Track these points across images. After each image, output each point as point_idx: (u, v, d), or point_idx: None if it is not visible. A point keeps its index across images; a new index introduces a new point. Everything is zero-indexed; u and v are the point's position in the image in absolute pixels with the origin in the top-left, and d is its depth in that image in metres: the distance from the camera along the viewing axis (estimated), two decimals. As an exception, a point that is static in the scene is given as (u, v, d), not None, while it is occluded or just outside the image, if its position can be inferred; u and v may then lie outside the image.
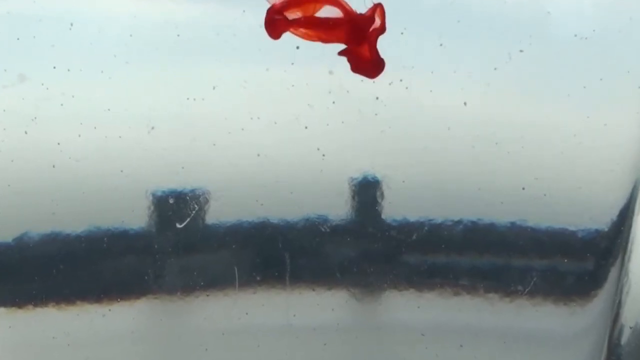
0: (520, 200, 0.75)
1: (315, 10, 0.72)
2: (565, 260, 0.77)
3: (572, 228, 0.76)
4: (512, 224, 0.76)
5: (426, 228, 0.76)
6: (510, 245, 0.77)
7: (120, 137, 0.71)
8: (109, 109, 0.71)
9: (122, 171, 0.72)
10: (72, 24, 0.70)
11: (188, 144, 0.72)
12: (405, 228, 0.76)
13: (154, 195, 0.73)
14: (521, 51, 0.72)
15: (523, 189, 0.75)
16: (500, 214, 0.76)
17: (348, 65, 0.69)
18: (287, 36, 0.70)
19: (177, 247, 0.74)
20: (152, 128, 0.71)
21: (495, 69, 0.73)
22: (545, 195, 0.75)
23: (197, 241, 0.75)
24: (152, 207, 0.73)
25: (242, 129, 0.73)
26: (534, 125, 0.74)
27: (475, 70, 0.73)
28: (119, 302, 0.75)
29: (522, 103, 0.75)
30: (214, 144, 0.73)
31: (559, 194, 0.76)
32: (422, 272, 0.77)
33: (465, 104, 0.73)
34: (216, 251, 0.75)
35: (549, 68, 0.74)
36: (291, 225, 0.75)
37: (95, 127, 0.71)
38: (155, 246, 0.74)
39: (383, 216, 0.76)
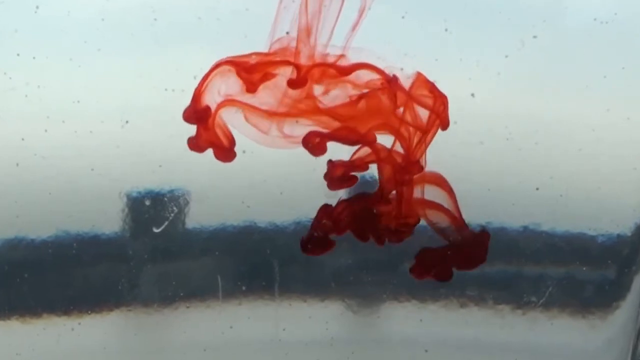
0: (534, 202, 0.72)
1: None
2: (584, 268, 0.74)
3: (591, 232, 0.73)
4: (525, 228, 0.73)
5: (430, 233, 0.73)
6: (522, 252, 0.74)
7: (91, 132, 0.67)
8: (78, 101, 0.67)
9: (93, 170, 0.68)
10: (37, 7, 0.66)
11: (166, 140, 0.69)
12: (407, 232, 0.73)
13: (128, 196, 0.70)
14: (535, 37, 0.69)
15: (537, 189, 0.72)
16: (512, 217, 0.73)
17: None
18: (277, 23, 0.67)
19: (154, 253, 0.71)
20: (127, 122, 0.67)
21: (506, 56, 0.69)
22: (561, 196, 0.72)
23: (176, 247, 0.72)
24: (126, 210, 0.70)
25: (226, 123, 0.70)
26: (549, 119, 0.71)
27: (484, 59, 0.69)
28: (89, 314, 0.72)
29: (536, 95, 0.71)
30: (195, 140, 0.70)
31: (577, 195, 0.72)
32: (425, 281, 0.74)
33: (473, 95, 0.70)
34: (197, 258, 0.72)
35: (566, 56, 0.70)
36: (281, 230, 0.72)
37: (63, 121, 0.67)
38: (130, 253, 0.70)
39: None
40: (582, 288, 0.75)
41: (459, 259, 0.72)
